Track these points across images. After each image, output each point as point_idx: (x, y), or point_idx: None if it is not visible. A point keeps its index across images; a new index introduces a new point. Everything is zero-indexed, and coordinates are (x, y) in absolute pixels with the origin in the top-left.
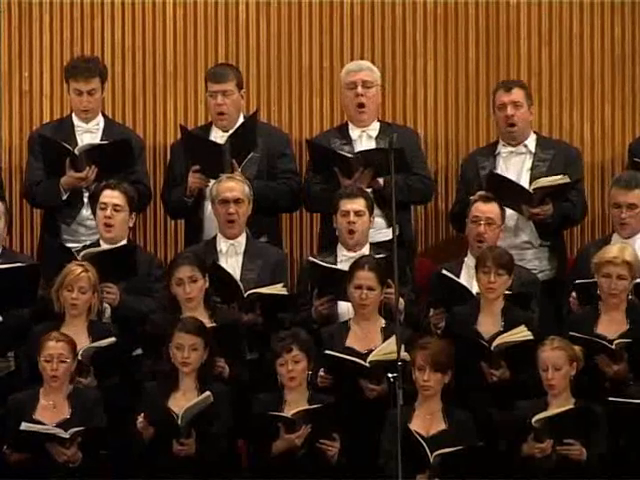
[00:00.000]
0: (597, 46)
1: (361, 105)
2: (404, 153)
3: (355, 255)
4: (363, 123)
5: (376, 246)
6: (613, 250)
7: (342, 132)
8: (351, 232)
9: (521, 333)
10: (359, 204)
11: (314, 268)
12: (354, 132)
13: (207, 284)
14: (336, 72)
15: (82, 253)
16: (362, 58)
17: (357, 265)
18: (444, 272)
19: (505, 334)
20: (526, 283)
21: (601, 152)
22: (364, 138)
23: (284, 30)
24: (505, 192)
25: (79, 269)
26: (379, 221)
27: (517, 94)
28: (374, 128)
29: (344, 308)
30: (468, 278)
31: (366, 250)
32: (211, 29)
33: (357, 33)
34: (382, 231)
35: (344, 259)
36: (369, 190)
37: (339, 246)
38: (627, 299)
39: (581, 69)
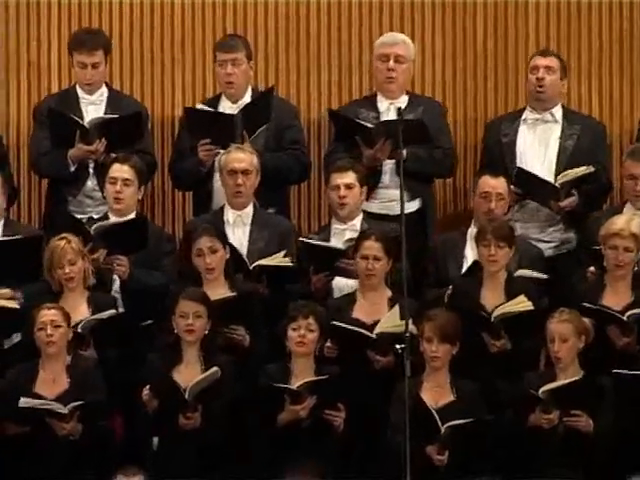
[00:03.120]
0: (605, 20)
1: (391, 79)
2: (425, 125)
3: (347, 227)
4: (392, 95)
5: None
6: (619, 222)
7: (370, 103)
8: (342, 205)
9: (522, 304)
10: (349, 177)
11: (306, 247)
12: (382, 104)
13: (228, 255)
14: (344, 42)
15: (94, 227)
16: (371, 30)
17: (363, 235)
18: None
19: (505, 304)
20: (532, 258)
21: (609, 125)
22: (392, 110)
23: (292, 1)
24: (533, 188)
25: (62, 242)
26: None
27: (552, 60)
28: (403, 100)
29: (341, 283)
30: (472, 250)
31: (358, 222)
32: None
33: (365, 7)
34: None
35: (337, 232)
36: (391, 161)
37: (332, 219)
38: (633, 271)
39: (589, 43)
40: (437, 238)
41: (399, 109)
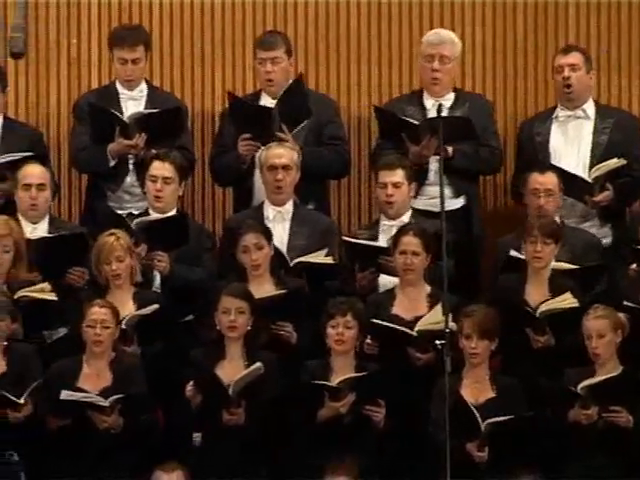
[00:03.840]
0: None
1: (435, 79)
2: (471, 122)
3: (395, 223)
4: (437, 94)
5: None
6: None
7: (416, 100)
8: (389, 204)
9: (567, 300)
10: (397, 176)
11: (350, 246)
12: (428, 101)
13: (272, 251)
14: (384, 39)
15: (135, 222)
16: (411, 27)
17: (402, 231)
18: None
19: (551, 301)
20: (587, 248)
21: None
22: (436, 109)
23: None
24: (567, 185)
25: (111, 239)
26: (445, 191)
27: (574, 57)
28: (449, 98)
29: (386, 280)
30: None
31: (406, 218)
32: None
33: (405, 3)
34: (448, 201)
35: (385, 228)
36: (437, 157)
37: (381, 215)
38: None
39: (630, 36)
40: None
41: (439, 106)
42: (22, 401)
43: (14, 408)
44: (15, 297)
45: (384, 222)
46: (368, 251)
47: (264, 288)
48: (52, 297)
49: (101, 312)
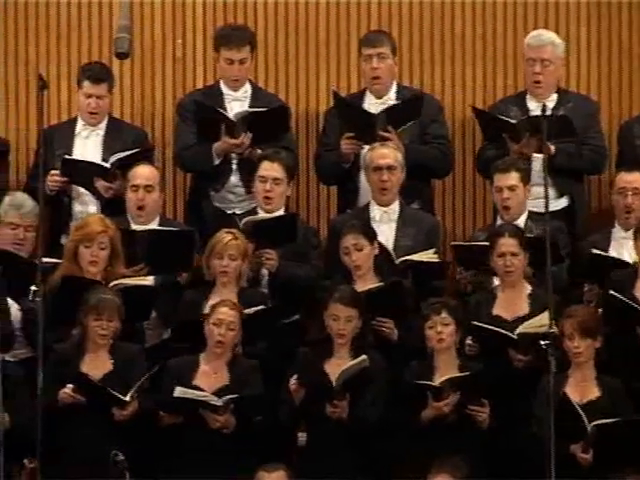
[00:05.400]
0: None
1: (538, 82)
2: (570, 120)
3: None
4: (540, 96)
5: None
6: None
7: (520, 102)
8: (506, 208)
9: None
10: (513, 179)
11: (457, 249)
12: (531, 103)
13: (377, 250)
14: (489, 39)
15: (243, 221)
16: (515, 25)
17: (498, 233)
18: (595, 252)
19: None
20: None
21: None
22: (541, 109)
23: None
24: None
25: (229, 237)
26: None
27: None
28: (552, 99)
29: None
30: (618, 248)
31: (522, 220)
32: None
33: (510, 4)
34: (552, 201)
35: None
36: (539, 156)
37: (497, 217)
38: None
39: None
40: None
41: (543, 106)
42: (128, 399)
43: (120, 406)
44: (109, 286)
45: (500, 223)
46: (474, 251)
47: (368, 287)
48: (148, 282)
49: (229, 313)
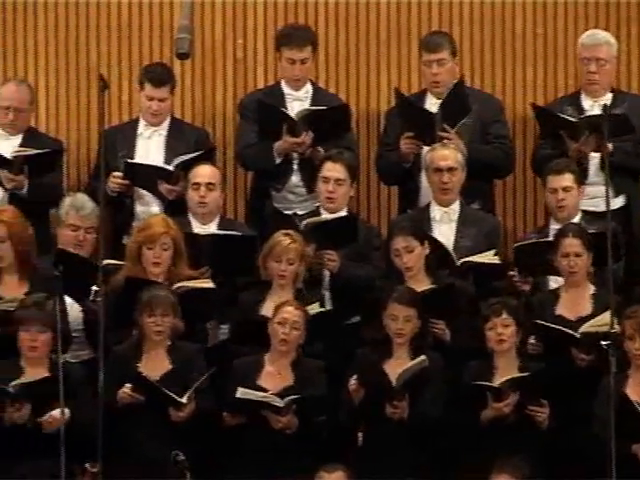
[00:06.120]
0: None
1: (593, 81)
2: (628, 119)
3: None
4: (595, 95)
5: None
6: None
7: (575, 101)
8: (560, 208)
9: None
10: (567, 180)
11: (520, 249)
12: (586, 102)
13: (427, 251)
14: (550, 39)
15: (304, 222)
16: (575, 25)
17: (562, 234)
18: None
19: None
20: None
21: None
22: (596, 108)
23: (497, 0)
24: None
25: (287, 240)
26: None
27: None
28: (607, 98)
29: (553, 279)
30: None
31: (576, 221)
32: None
33: (571, 4)
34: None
35: (555, 231)
36: (596, 155)
37: (551, 219)
38: None
39: None
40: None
41: (605, 105)
42: (184, 400)
43: (177, 407)
44: (172, 288)
45: (553, 226)
46: (536, 249)
47: (421, 288)
48: (209, 285)
49: (294, 313)
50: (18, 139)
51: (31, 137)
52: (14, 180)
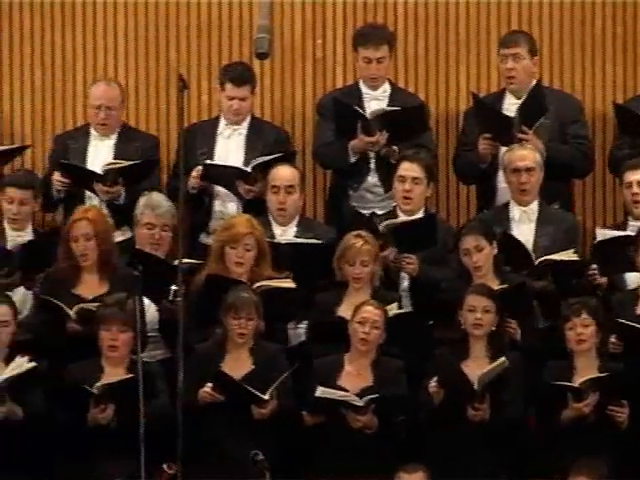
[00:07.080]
0: None
1: None
2: None
3: None
4: None
5: None
6: None
7: None
8: (637, 202)
9: None
10: None
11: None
12: None
13: (496, 250)
14: (629, 38)
15: (383, 224)
16: None
17: None
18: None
19: None
20: None
21: None
22: None
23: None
24: None
25: (359, 242)
26: None
27: None
28: None
29: (631, 278)
30: None
31: None
32: None
33: None
34: None
35: (633, 229)
36: None
37: (629, 216)
38: None
39: None
40: None
41: None
42: (267, 397)
43: (259, 404)
44: (254, 287)
45: (632, 223)
46: (614, 245)
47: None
48: (291, 285)
49: (374, 312)
50: (113, 139)
51: (126, 135)
52: (110, 192)
